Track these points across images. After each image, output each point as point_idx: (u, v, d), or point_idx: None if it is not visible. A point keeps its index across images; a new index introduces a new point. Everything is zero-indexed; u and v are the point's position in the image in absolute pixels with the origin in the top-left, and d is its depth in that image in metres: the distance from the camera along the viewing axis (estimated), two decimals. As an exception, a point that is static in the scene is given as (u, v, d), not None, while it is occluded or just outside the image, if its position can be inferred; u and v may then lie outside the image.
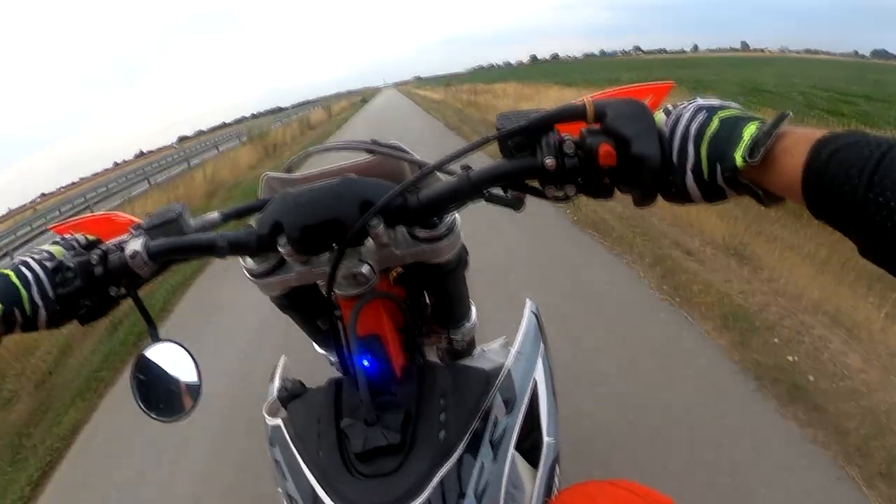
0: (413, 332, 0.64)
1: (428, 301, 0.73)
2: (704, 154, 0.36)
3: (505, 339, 0.67)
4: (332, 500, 0.44)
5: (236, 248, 0.49)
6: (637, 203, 0.41)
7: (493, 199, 0.47)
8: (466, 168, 0.46)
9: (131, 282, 0.50)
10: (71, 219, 0.69)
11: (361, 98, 47.90)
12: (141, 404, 0.53)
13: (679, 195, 0.39)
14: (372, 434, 0.47)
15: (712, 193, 0.37)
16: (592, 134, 0.40)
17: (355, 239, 0.46)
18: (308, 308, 0.65)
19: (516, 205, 0.47)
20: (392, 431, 0.47)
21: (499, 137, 0.43)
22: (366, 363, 0.53)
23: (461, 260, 0.61)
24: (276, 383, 0.62)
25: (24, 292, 0.46)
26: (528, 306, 0.65)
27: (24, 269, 0.47)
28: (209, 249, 0.48)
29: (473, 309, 0.83)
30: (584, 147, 0.40)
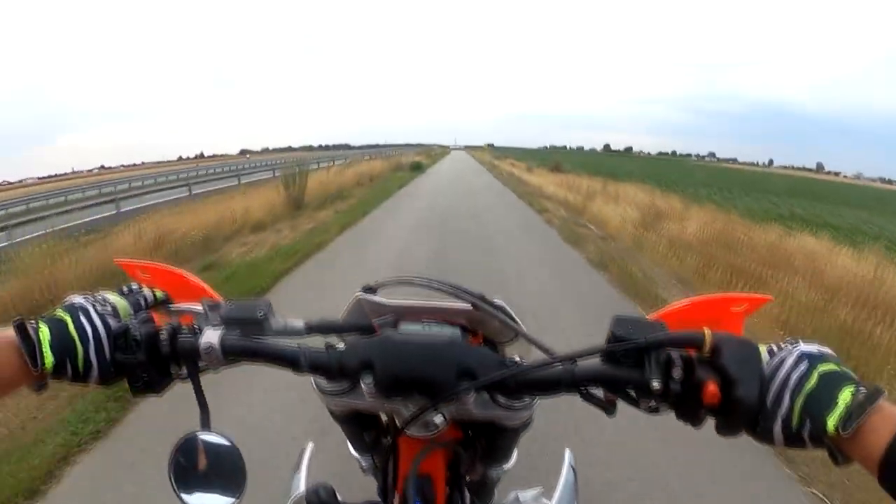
0: (460, 475, 0.66)
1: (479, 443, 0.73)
2: (798, 408, 0.39)
3: (541, 490, 0.70)
4: None
5: (316, 369, 0.50)
6: (721, 432, 0.43)
7: (587, 397, 0.48)
8: (572, 361, 0.47)
9: (195, 367, 0.51)
10: (141, 261, 0.64)
11: (415, 162, 24.09)
12: (174, 485, 0.50)
13: (762, 435, 0.41)
14: None
15: (794, 442, 0.40)
16: (702, 367, 0.42)
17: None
18: (362, 423, 0.67)
19: (609, 409, 0.47)
20: None
21: (612, 350, 0.45)
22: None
23: (527, 425, 0.61)
24: (303, 474, 0.65)
25: (80, 347, 0.45)
26: (567, 458, 0.68)
27: (83, 319, 0.46)
28: (287, 363, 0.50)
29: (515, 452, 0.82)
30: (693, 379, 0.42)
